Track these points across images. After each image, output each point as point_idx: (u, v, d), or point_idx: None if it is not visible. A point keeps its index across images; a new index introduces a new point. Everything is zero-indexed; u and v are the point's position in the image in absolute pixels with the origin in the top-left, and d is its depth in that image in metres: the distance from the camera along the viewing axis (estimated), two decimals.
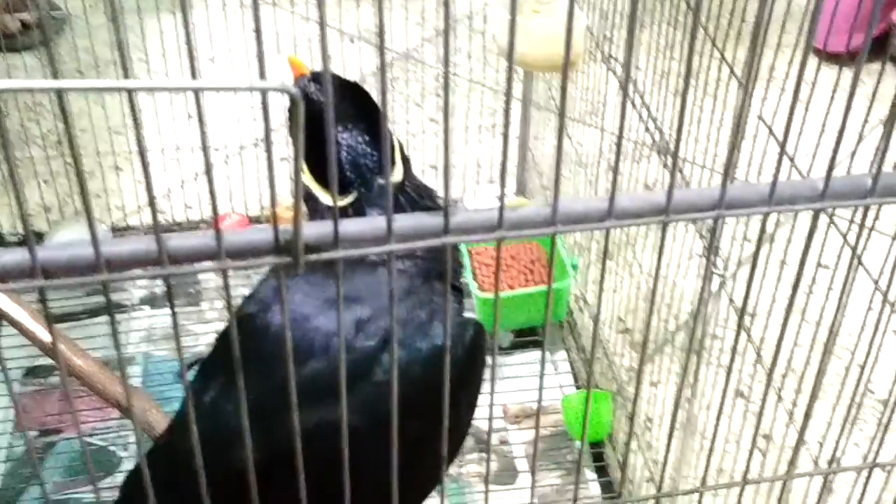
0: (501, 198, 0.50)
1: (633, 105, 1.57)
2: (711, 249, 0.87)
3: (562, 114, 0.47)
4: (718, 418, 0.70)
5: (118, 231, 1.90)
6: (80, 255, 0.48)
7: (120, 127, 2.08)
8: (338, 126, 0.91)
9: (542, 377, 0.64)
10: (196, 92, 0.42)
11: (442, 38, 2.49)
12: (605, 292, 1.79)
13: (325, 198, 0.91)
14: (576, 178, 1.84)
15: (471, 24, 2.49)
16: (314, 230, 0.49)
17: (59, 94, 0.42)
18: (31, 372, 1.58)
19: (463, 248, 1.65)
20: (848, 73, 1.00)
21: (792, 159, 0.88)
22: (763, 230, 0.56)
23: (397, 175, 0.93)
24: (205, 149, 0.44)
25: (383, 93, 0.47)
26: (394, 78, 2.39)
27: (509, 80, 0.47)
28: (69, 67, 2.26)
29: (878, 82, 0.91)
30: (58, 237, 1.79)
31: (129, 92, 0.42)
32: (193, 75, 0.42)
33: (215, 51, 1.94)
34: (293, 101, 0.43)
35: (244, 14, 1.91)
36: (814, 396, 0.71)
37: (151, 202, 0.46)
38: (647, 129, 1.46)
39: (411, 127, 2.26)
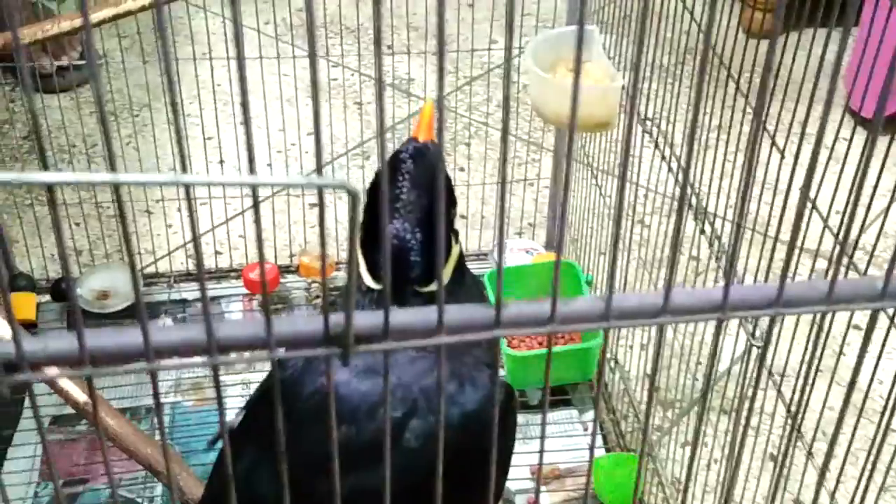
0: (555, 295, 0.49)
1: (664, 158, 1.56)
2: (756, 339, 0.86)
3: (617, 221, 0.46)
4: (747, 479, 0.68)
5: (148, 278, 1.90)
6: (130, 343, 0.47)
7: (153, 170, 2.09)
8: (395, 214, 0.90)
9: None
10: (253, 188, 0.42)
11: (471, 86, 2.48)
12: (634, 348, 1.78)
13: (368, 280, 0.91)
14: (605, 231, 1.83)
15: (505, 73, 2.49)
16: (365, 320, 0.48)
17: (116, 187, 0.42)
18: (57, 420, 1.58)
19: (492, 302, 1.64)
20: (882, 141, 1.00)
21: (843, 245, 0.87)
22: (819, 328, 0.54)
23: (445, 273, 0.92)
24: (259, 241, 0.44)
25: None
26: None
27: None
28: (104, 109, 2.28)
29: None
30: (89, 283, 1.80)
31: (187, 187, 0.42)
32: (251, 169, 0.42)
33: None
34: (353, 196, 0.42)
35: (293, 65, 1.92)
36: (845, 459, 0.69)
37: (203, 293, 0.46)
38: (677, 183, 1.46)
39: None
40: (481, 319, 0.50)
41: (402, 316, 0.49)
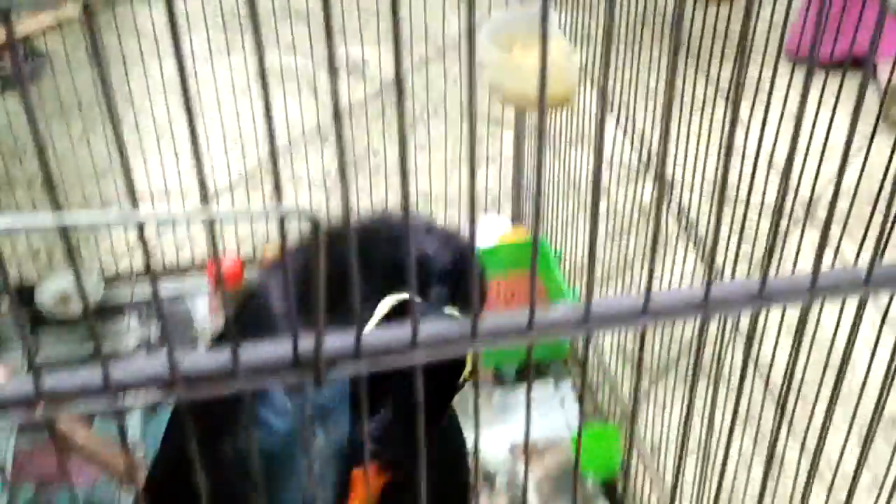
0: (532, 304, 0.47)
1: (620, 125, 1.55)
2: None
3: (594, 217, 0.45)
4: (729, 442, 0.67)
5: (110, 279, 1.86)
6: (90, 381, 0.45)
7: (106, 170, 2.05)
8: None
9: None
10: (210, 223, 0.40)
11: (427, 66, 2.44)
12: None
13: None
14: (567, 201, 1.82)
15: (460, 50, 2.46)
16: (335, 342, 0.46)
17: (64, 229, 0.39)
18: (24, 428, 1.55)
19: None
20: (821, 81, 0.99)
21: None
22: (802, 321, 0.53)
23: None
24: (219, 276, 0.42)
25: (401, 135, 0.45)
26: (380, 110, 2.37)
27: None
28: (52, 107, 2.23)
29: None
30: (49, 288, 1.76)
31: (141, 227, 0.39)
32: (205, 199, 0.40)
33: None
34: (313, 224, 0.40)
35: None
36: (827, 420, 0.68)
37: (163, 326, 0.43)
38: (638, 154, 1.45)
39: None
40: (457, 333, 0.48)
41: (374, 336, 0.47)
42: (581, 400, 0.43)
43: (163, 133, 2.05)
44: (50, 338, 1.71)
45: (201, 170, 0.41)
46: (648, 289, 0.48)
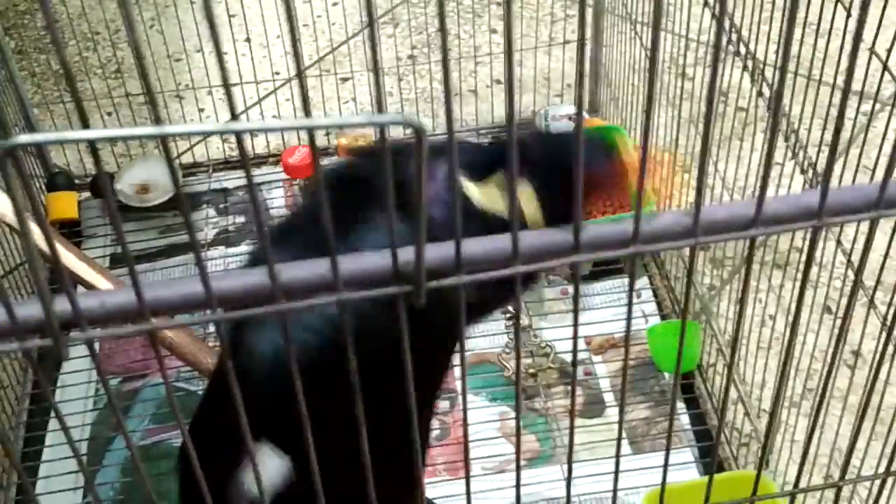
0: (638, 210, 0.45)
1: (706, 3, 1.49)
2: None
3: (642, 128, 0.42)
4: (796, 331, 0.65)
5: (186, 168, 1.87)
6: (191, 293, 0.45)
7: (180, 53, 2.04)
8: None
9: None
10: (310, 132, 0.38)
11: None
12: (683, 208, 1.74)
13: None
14: (645, 86, 1.77)
15: None
16: (434, 254, 0.45)
17: (164, 140, 0.38)
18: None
19: None
20: None
21: None
22: None
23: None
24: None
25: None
26: None
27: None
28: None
29: None
30: (128, 177, 1.77)
31: (238, 134, 0.38)
32: (307, 112, 0.38)
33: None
34: (417, 131, 0.39)
35: None
36: None
37: (268, 255, 0.43)
38: (728, 39, 1.39)
39: (474, 40, 2.19)
40: (559, 244, 0.46)
41: (473, 246, 0.46)
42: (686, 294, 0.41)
43: (234, 15, 2.03)
44: (129, 225, 1.74)
45: (302, 79, 0.39)
46: (761, 198, 0.46)
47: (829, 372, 0.59)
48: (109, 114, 2.03)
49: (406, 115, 0.38)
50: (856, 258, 1.18)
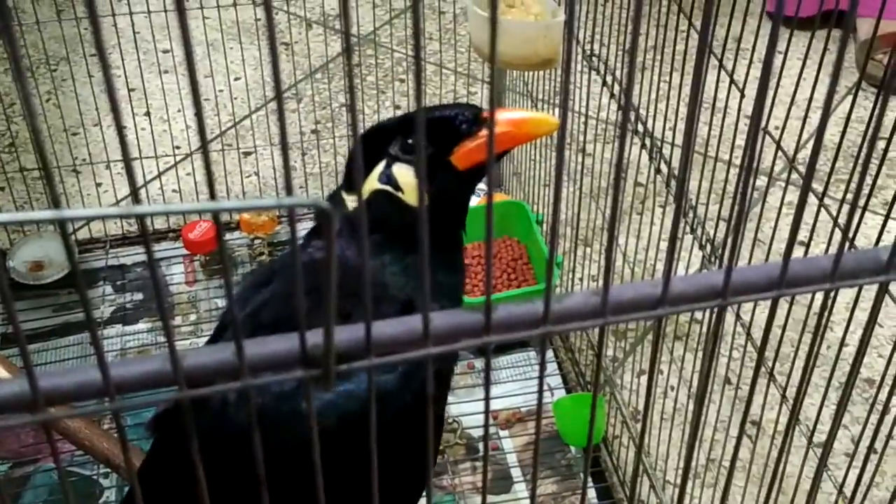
0: (548, 291, 0.45)
1: (605, 82, 1.53)
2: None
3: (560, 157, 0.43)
4: (703, 404, 0.65)
5: (82, 244, 1.82)
6: (88, 380, 0.43)
7: (77, 127, 2.00)
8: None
9: (542, 379, 0.59)
10: (215, 214, 0.38)
11: (401, 19, 2.41)
12: (584, 281, 1.76)
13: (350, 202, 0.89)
14: (548, 163, 1.80)
15: (438, 5, 2.42)
16: (344, 336, 0.45)
17: (63, 224, 0.37)
18: None
19: None
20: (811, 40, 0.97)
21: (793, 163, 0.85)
22: (822, 307, 0.52)
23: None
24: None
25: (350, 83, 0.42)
26: (356, 64, 2.33)
27: (492, 90, 0.43)
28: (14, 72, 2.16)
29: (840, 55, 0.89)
30: (22, 254, 1.72)
31: (140, 218, 0.37)
32: (212, 196, 0.37)
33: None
34: (326, 215, 0.38)
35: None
36: (805, 380, 0.66)
37: (167, 329, 0.41)
38: (619, 108, 1.43)
39: (378, 116, 2.21)
40: (470, 325, 0.46)
41: (384, 328, 0.45)
42: (597, 375, 0.41)
43: (133, 89, 2.01)
44: (23, 304, 1.68)
45: (207, 156, 0.38)
46: (667, 279, 0.46)
47: (736, 444, 0.59)
48: (2, 188, 1.97)
49: (313, 197, 0.38)
50: (754, 331, 1.20)
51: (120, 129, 0.37)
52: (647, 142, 1.38)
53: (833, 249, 0.48)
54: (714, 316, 0.49)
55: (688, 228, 1.22)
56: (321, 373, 0.44)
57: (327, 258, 0.42)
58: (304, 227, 1.45)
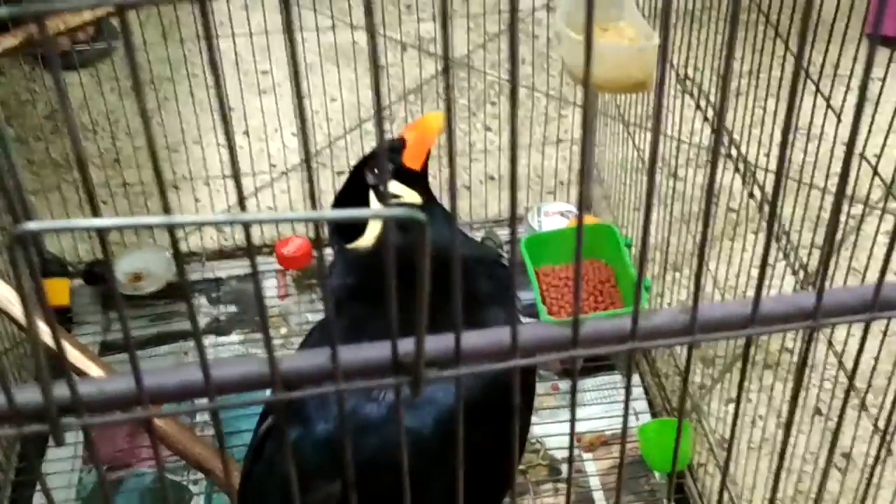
0: (636, 307, 0.46)
1: (698, 106, 1.52)
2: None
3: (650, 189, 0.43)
4: (790, 431, 0.64)
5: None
6: (190, 380, 0.45)
7: (178, 144, 2.07)
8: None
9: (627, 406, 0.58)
10: (316, 223, 0.39)
11: (494, 42, 2.42)
12: (674, 304, 1.75)
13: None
14: (638, 187, 1.79)
15: (532, 28, 2.43)
16: (435, 346, 0.46)
17: (172, 230, 0.39)
18: None
19: (529, 268, 1.61)
20: None
21: None
22: None
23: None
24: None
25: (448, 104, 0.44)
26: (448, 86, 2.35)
27: (585, 119, 0.43)
28: (124, 85, 2.25)
29: None
30: (122, 266, 1.78)
31: (246, 227, 0.39)
32: (314, 206, 0.39)
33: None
34: (421, 226, 0.39)
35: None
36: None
37: (265, 335, 0.43)
38: (712, 131, 1.41)
39: (469, 137, 2.23)
40: (557, 339, 0.47)
41: (473, 339, 0.47)
42: (680, 413, 0.41)
43: (233, 109, 2.07)
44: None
45: (310, 169, 0.40)
46: (757, 297, 0.46)
47: (823, 475, 0.58)
48: (105, 203, 2.04)
49: (409, 210, 0.39)
50: (846, 360, 1.18)
51: (231, 145, 0.39)
52: (741, 166, 1.36)
53: None
54: (805, 339, 0.49)
55: (780, 255, 1.20)
56: (411, 380, 0.46)
57: (420, 268, 0.43)
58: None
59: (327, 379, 0.45)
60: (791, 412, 0.50)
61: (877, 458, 0.64)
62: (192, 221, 0.38)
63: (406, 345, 0.45)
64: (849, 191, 1.18)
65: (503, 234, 1.91)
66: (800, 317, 0.47)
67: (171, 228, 0.39)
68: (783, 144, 0.43)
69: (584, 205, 1.40)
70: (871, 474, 0.62)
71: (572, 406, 0.50)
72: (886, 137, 0.98)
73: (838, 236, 1.28)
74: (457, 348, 0.45)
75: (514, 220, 0.44)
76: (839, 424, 0.58)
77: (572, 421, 0.51)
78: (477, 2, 2.33)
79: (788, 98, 0.44)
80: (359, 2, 2.34)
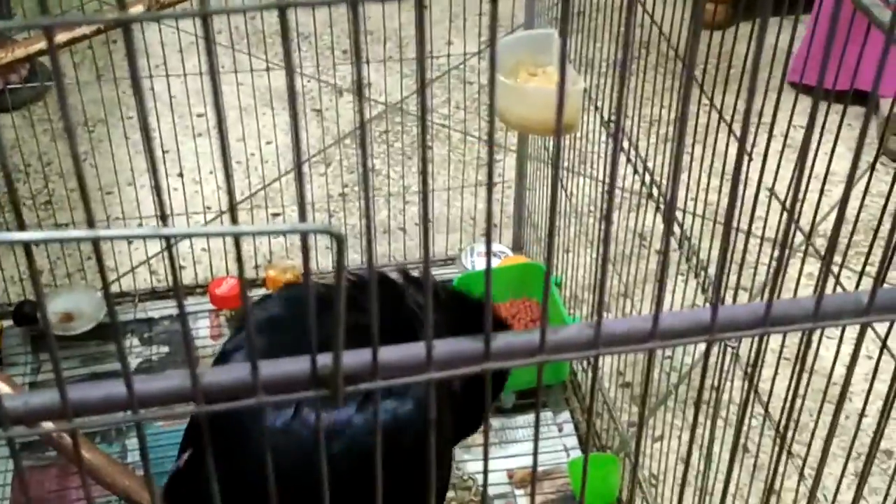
0: (543, 320, 0.48)
1: (626, 154, 1.56)
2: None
3: (604, 260, 0.46)
4: (729, 474, 0.67)
5: (112, 297, 1.87)
6: (113, 394, 0.46)
7: (111, 186, 2.06)
8: None
9: (537, 441, 0.61)
10: (235, 237, 0.41)
11: (430, 88, 2.46)
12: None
13: None
14: (568, 229, 1.84)
15: (465, 76, 2.48)
16: (352, 360, 0.48)
17: (94, 241, 0.41)
18: (28, 446, 1.55)
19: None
20: (827, 113, 1.00)
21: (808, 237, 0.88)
22: (807, 345, 0.54)
23: None
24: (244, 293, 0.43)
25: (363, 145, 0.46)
26: (385, 131, 2.39)
27: (490, 151, 0.46)
28: (58, 127, 2.24)
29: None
30: (52, 305, 1.76)
31: (168, 239, 0.41)
32: (233, 219, 0.41)
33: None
34: (338, 240, 0.42)
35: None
36: (825, 453, 0.67)
37: (187, 342, 0.45)
38: (642, 182, 1.46)
39: (404, 180, 2.26)
40: (470, 352, 0.49)
41: (389, 353, 0.49)
42: (589, 424, 0.44)
43: (167, 151, 2.07)
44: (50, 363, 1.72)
45: (231, 187, 0.42)
46: (657, 312, 0.49)
47: None
48: (37, 245, 2.03)
49: (325, 223, 0.41)
50: (774, 405, 1.22)
51: (157, 184, 0.41)
52: (666, 213, 1.41)
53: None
54: (704, 351, 0.52)
55: (700, 289, 1.24)
56: (330, 393, 0.48)
57: (338, 284, 0.45)
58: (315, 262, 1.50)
59: (248, 392, 0.47)
60: (695, 417, 0.53)
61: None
62: (115, 235, 0.40)
63: (325, 359, 0.47)
64: (770, 233, 1.23)
65: (438, 273, 1.93)
66: (698, 331, 0.50)
67: (95, 241, 0.40)
68: (678, 142, 0.46)
69: (515, 245, 1.45)
70: None
71: (486, 417, 0.52)
72: (808, 183, 1.01)
73: (760, 279, 1.32)
74: (374, 361, 0.47)
75: (489, 250, 0.46)
76: (774, 472, 0.60)
77: (486, 431, 0.53)
78: (411, 48, 2.37)
79: (679, 108, 0.47)
80: (294, 46, 2.37)
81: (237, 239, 0.42)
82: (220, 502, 0.67)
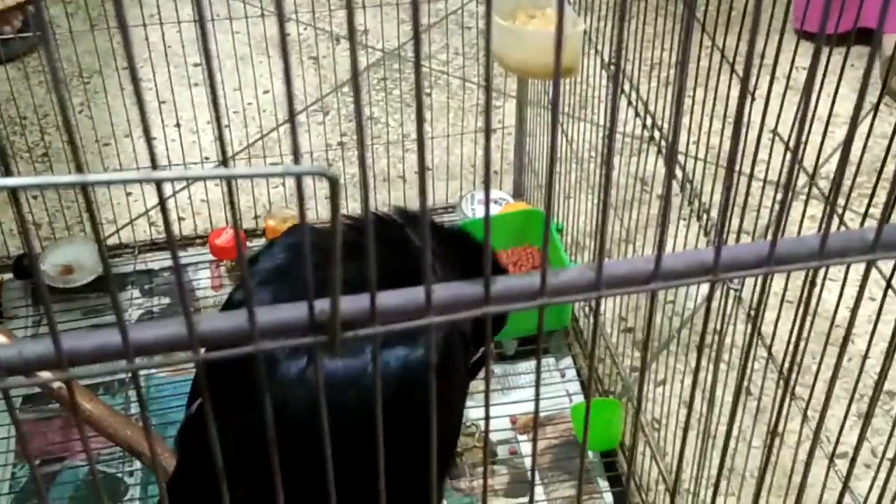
0: (543, 263, 0.48)
1: (627, 98, 1.55)
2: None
3: (604, 207, 0.45)
4: (732, 417, 0.66)
5: (112, 249, 1.86)
6: (108, 343, 0.45)
7: (108, 138, 2.05)
8: None
9: (538, 386, 0.61)
10: (228, 181, 0.40)
11: (428, 34, 2.44)
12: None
13: None
14: (569, 175, 1.82)
15: (463, 20, 2.45)
16: (351, 305, 0.47)
17: (83, 186, 0.40)
18: (30, 399, 1.55)
19: None
20: (829, 56, 0.99)
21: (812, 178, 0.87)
22: (812, 283, 0.54)
23: None
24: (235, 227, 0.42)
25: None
26: (382, 78, 2.37)
27: (488, 97, 0.45)
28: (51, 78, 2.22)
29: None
30: (52, 258, 1.76)
31: (158, 183, 0.40)
32: (225, 163, 0.40)
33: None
34: (333, 182, 0.41)
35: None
36: (829, 396, 0.67)
37: (181, 290, 0.44)
38: (643, 125, 1.45)
39: (403, 128, 2.24)
40: (470, 296, 0.48)
41: (388, 298, 0.48)
42: (591, 369, 0.44)
43: (164, 102, 2.05)
44: (52, 307, 1.72)
45: (221, 132, 0.41)
46: (659, 253, 0.48)
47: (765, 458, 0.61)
48: (35, 197, 2.02)
49: (319, 165, 0.40)
50: (776, 350, 1.22)
51: (147, 135, 0.40)
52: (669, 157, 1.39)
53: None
54: (707, 292, 0.51)
55: (702, 233, 1.23)
56: (328, 339, 0.47)
57: (334, 224, 0.44)
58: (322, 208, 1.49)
59: (245, 339, 0.46)
60: (698, 360, 0.52)
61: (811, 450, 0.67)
62: (104, 180, 0.39)
63: (324, 304, 0.47)
64: (773, 176, 1.22)
65: (439, 221, 1.92)
66: (700, 272, 0.49)
67: (83, 186, 0.39)
68: (679, 87, 0.45)
69: (516, 192, 1.44)
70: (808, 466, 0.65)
71: (487, 361, 0.52)
72: (811, 125, 1.00)
73: (762, 222, 1.31)
74: (372, 306, 0.47)
75: (488, 196, 0.45)
76: (778, 414, 0.60)
77: (487, 377, 0.52)
78: None
79: (681, 51, 0.46)
80: None
81: (230, 183, 0.41)
82: (235, 452, 0.66)
